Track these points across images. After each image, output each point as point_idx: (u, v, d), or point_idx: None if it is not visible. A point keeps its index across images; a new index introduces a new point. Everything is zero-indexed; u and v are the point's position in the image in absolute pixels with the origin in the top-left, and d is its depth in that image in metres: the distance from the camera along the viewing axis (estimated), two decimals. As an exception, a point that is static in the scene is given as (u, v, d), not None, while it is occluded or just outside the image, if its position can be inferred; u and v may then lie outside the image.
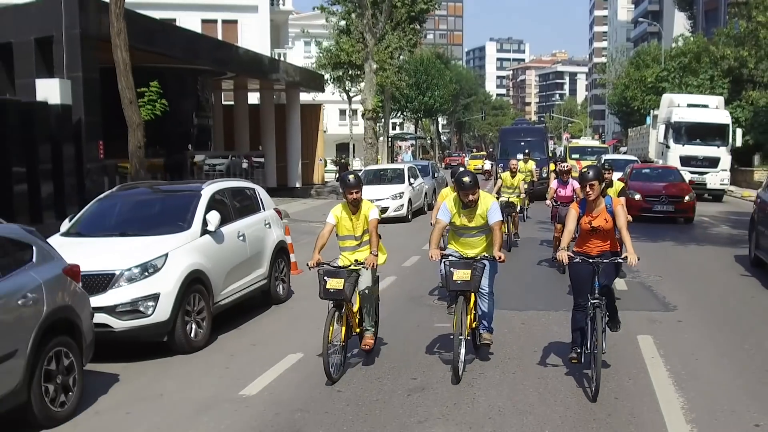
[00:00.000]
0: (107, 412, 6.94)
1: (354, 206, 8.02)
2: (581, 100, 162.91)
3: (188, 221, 9.28)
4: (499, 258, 7.74)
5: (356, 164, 47.34)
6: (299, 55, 55.05)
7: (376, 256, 7.99)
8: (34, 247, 6.77)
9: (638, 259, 7.25)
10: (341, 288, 7.57)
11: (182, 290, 8.51)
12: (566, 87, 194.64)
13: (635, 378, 7.55)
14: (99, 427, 6.66)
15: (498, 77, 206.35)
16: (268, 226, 11.18)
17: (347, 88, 44.35)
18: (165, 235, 8.95)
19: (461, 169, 9.04)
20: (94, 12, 19.23)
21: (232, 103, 35.13)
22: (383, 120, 46.80)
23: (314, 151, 38.00)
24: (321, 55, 42.97)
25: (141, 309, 8.20)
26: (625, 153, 48.46)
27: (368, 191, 22.74)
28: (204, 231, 9.29)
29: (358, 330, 8.18)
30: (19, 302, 6.26)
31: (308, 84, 36.61)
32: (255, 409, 6.90)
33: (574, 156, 37.00)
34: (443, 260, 7.99)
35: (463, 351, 7.63)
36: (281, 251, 11.54)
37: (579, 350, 7.43)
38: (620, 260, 7.49)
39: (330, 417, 6.60)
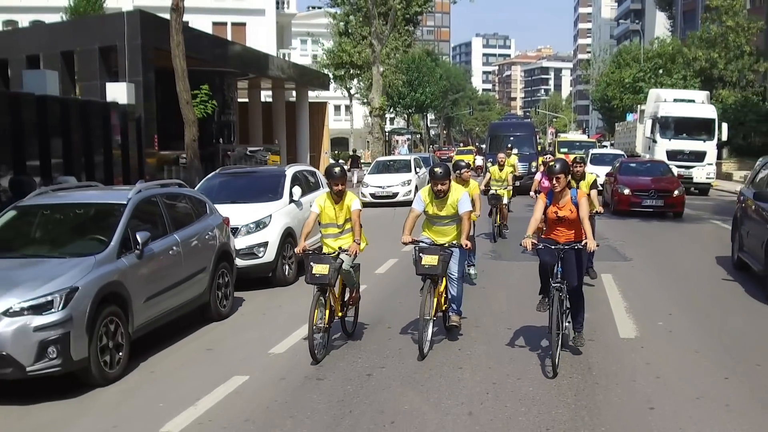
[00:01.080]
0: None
1: (338, 196, 8.59)
2: (566, 96, 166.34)
3: (279, 193, 13.03)
4: (465, 245, 8.55)
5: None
6: (297, 53, 58.67)
7: (359, 244, 8.57)
8: (207, 203, 10.47)
9: (597, 246, 8.15)
10: (326, 273, 8.13)
11: (281, 240, 12.26)
12: (551, 82, 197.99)
13: (594, 292, 11.29)
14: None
15: (484, 72, 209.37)
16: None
17: (348, 87, 47.99)
18: (266, 203, 12.69)
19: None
20: (152, 25, 22.89)
21: (246, 100, 38.78)
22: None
23: (320, 145, 41.74)
24: (324, 55, 46.57)
25: (255, 252, 11.94)
26: (606, 147, 51.42)
27: (380, 179, 26.77)
28: (290, 200, 13.05)
29: (340, 314, 8.81)
30: (207, 236, 9.97)
31: (315, 83, 40.31)
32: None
33: (563, 150, 38.10)
34: (415, 246, 8.72)
35: (430, 331, 8.45)
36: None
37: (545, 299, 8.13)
38: (580, 246, 7.98)
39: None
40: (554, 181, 7.88)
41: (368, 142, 76.19)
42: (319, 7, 43.86)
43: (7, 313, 6.83)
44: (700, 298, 11.23)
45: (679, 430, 6.28)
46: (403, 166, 27.98)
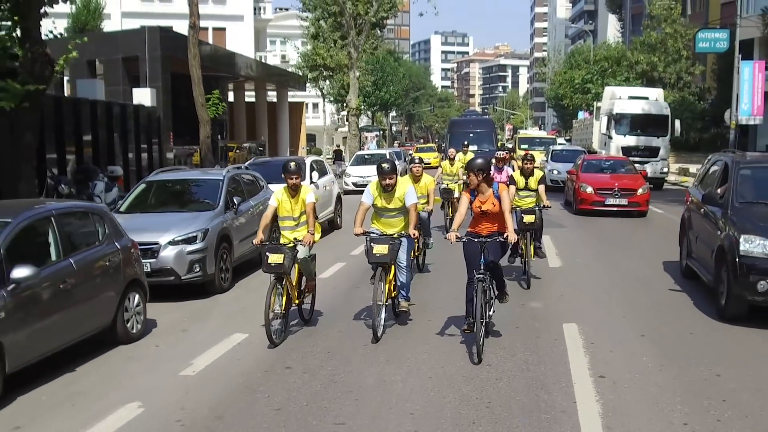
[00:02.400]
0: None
1: (293, 190, 9.18)
2: (523, 93, 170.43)
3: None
4: (413, 235, 9.41)
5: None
6: (272, 55, 62.94)
7: (313, 234, 9.14)
8: (262, 181, 14.81)
9: (516, 238, 8.72)
10: (281, 262, 8.72)
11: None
12: (509, 80, 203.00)
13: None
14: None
15: (443, 70, 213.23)
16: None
17: (321, 87, 52.39)
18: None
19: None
20: (170, 39, 27.15)
21: (231, 100, 43.01)
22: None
23: (298, 141, 46.10)
24: (300, 58, 50.91)
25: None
26: (565, 144, 54.59)
27: (361, 170, 31.26)
28: (312, 181, 17.52)
29: (297, 302, 9.36)
30: (263, 204, 14.34)
31: (293, 84, 44.68)
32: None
33: (523, 146, 39.10)
34: (366, 237, 9.28)
35: (382, 315, 9.03)
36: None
37: (472, 320, 8.25)
38: (502, 239, 8.36)
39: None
40: (472, 176, 8.40)
41: (332, 138, 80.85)
42: (286, 8, 48.05)
43: (171, 242, 11.24)
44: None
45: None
46: (379, 159, 32.48)
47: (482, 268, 8.29)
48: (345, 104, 41.51)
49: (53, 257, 8.01)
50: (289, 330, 9.23)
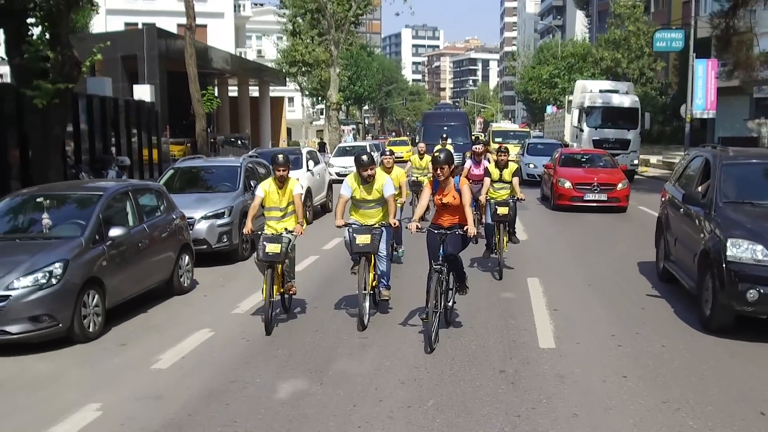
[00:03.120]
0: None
1: (281, 182, 9.44)
2: (493, 86, 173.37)
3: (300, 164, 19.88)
4: (394, 224, 9.62)
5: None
6: (252, 51, 64.98)
7: (302, 225, 9.53)
8: (269, 168, 17.16)
9: (476, 233, 9.16)
10: (279, 252, 9.12)
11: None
12: (479, 73, 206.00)
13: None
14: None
15: (414, 63, 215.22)
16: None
17: (299, 82, 54.60)
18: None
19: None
20: (166, 39, 29.31)
21: (216, 95, 45.12)
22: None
23: (279, 135, 48.30)
24: (279, 55, 53.08)
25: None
26: (541, 137, 53.87)
27: (343, 160, 33.61)
28: (308, 169, 19.87)
29: (281, 290, 9.71)
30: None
31: (274, 80, 46.86)
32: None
33: (497, 139, 39.74)
34: (347, 228, 9.47)
35: (366, 304, 9.25)
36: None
37: (429, 311, 8.40)
38: (461, 232, 8.61)
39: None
40: (438, 171, 8.60)
41: (307, 130, 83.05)
42: (262, 4, 50.15)
43: (204, 217, 13.56)
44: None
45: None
46: (359, 152, 34.93)
47: (441, 259, 8.54)
48: (323, 99, 43.89)
49: (131, 222, 10.31)
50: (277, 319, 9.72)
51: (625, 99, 34.67)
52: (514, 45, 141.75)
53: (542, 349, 8.35)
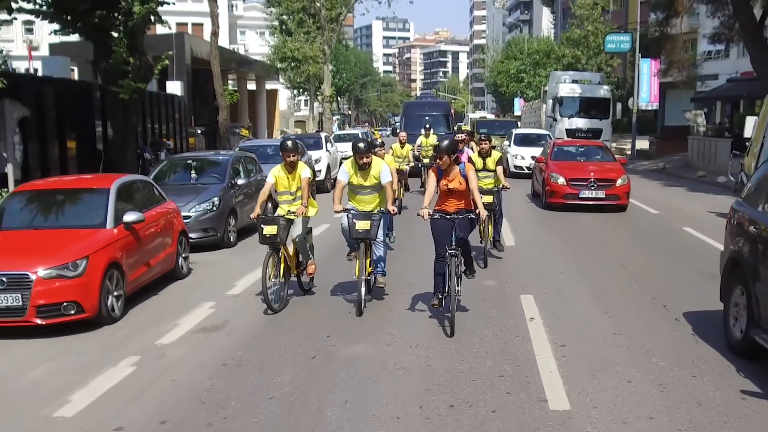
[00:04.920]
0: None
1: (291, 167, 9.92)
2: (463, 78, 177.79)
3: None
4: (393, 211, 9.74)
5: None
6: (242, 46, 70.60)
7: (306, 207, 9.89)
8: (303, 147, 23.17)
9: (487, 214, 9.46)
10: (275, 233, 9.48)
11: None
12: (449, 65, 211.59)
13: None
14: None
15: (385, 55, 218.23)
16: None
17: (290, 77, 60.27)
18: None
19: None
20: (192, 41, 35.06)
21: (216, 88, 50.82)
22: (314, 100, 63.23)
23: (274, 125, 54.07)
24: (271, 51, 58.74)
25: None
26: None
27: (340, 146, 39.30)
28: (327, 150, 25.82)
29: (296, 272, 10.17)
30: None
31: (268, 74, 52.58)
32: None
33: (482, 130, 37.38)
34: (347, 214, 9.69)
35: (363, 290, 9.51)
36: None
37: (440, 296, 8.87)
38: (473, 216, 8.95)
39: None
40: (439, 159, 8.87)
41: (288, 120, 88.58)
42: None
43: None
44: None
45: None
46: (354, 138, 40.86)
47: (453, 244, 8.75)
48: (307, 91, 49.55)
49: (243, 177, 16.16)
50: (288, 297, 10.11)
51: (597, 90, 36.25)
52: (483, 38, 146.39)
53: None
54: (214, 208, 14.36)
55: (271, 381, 7.24)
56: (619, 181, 19.33)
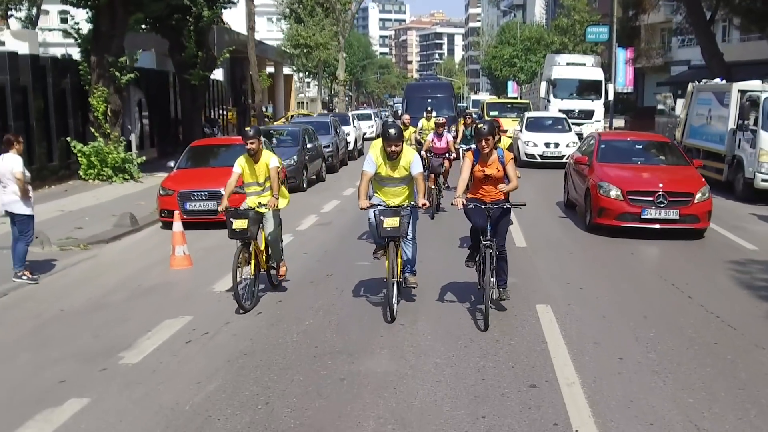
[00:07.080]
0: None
1: (252, 155, 9.40)
2: (459, 60, 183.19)
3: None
4: (423, 205, 8.80)
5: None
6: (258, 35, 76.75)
7: (277, 199, 9.49)
8: (348, 118, 29.68)
9: (525, 204, 9.02)
10: (245, 228, 9.08)
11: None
12: (445, 47, 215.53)
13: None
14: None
15: (381, 37, 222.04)
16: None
17: (303, 62, 66.45)
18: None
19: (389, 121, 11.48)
20: (230, 34, 41.53)
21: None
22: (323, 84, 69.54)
23: (290, 107, 60.47)
24: (285, 38, 64.95)
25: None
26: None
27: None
28: (354, 126, 32.42)
29: (265, 267, 9.86)
30: (343, 138, 29.28)
31: (284, 60, 58.95)
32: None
33: (492, 113, 35.62)
34: (373, 210, 8.87)
35: (395, 292, 8.76)
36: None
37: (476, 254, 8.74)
38: (509, 205, 8.63)
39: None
40: (483, 143, 8.49)
41: (294, 101, 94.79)
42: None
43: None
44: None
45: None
46: (368, 117, 47.33)
47: (489, 234, 8.46)
48: (329, 77, 56.04)
49: (309, 143, 22.88)
50: (259, 294, 9.62)
51: (590, 71, 36.58)
52: (478, 21, 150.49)
53: None
54: (294, 163, 20.87)
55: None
56: (698, 196, 13.78)
